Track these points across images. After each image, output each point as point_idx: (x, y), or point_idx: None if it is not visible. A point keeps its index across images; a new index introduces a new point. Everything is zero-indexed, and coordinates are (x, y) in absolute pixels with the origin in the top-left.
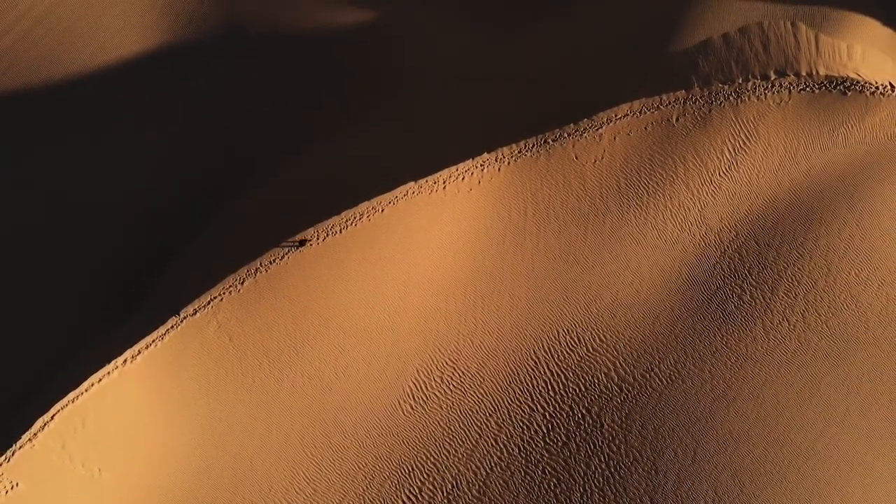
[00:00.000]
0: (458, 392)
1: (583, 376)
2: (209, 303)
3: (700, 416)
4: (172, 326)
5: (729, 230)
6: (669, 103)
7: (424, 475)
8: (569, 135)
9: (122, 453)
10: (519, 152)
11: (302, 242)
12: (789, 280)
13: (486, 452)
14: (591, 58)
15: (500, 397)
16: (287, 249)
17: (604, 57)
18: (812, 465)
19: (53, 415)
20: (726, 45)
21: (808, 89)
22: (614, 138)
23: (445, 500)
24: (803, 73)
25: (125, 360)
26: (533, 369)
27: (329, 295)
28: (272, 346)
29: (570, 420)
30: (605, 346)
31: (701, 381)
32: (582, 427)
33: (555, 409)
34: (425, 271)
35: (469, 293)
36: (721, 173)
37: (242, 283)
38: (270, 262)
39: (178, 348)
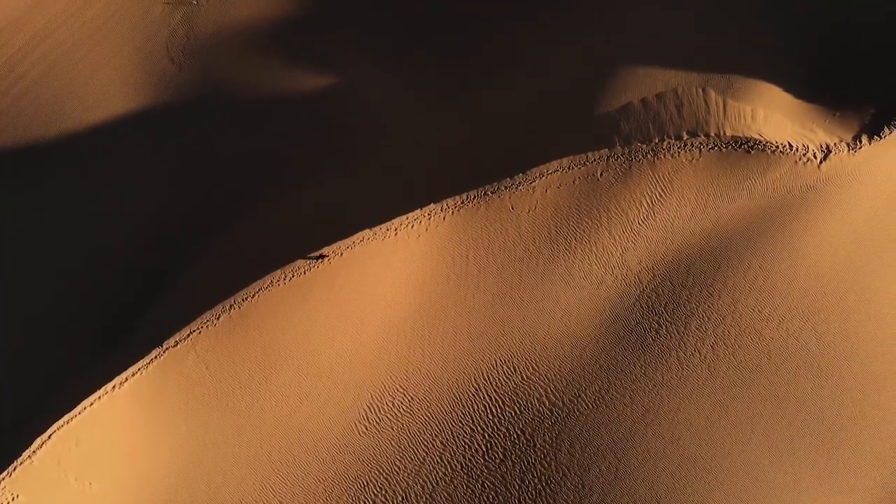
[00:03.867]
0: (408, 415)
1: (518, 401)
2: (189, 336)
3: (622, 437)
4: (156, 357)
5: (647, 272)
6: (594, 160)
7: (377, 489)
8: (506, 188)
9: (110, 469)
10: (462, 203)
11: (321, 256)
12: (700, 316)
13: (432, 468)
14: (526, 120)
15: (445, 420)
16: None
17: (537, 119)
18: (721, 479)
19: (50, 434)
20: (644, 108)
21: (716, 148)
22: (546, 191)
23: None
24: (712, 134)
25: (114, 387)
26: (474, 395)
27: (294, 329)
28: (243, 374)
29: (506, 440)
30: (537, 374)
31: (622, 406)
32: (517, 446)
33: (493, 430)
34: (379, 308)
35: (417, 328)
36: (640, 222)
37: (218, 318)
38: (243, 300)
39: (160, 376)
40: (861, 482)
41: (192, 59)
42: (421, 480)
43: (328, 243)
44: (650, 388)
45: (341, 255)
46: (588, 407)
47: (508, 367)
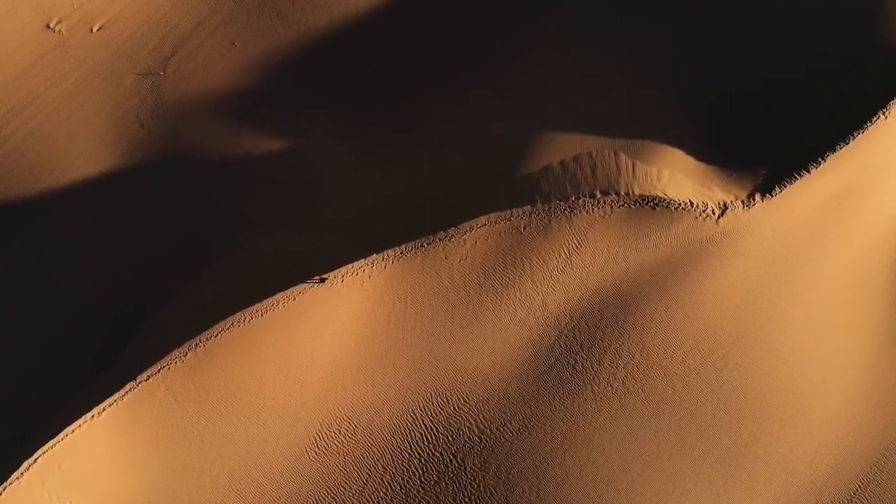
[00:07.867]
0: (352, 441)
1: (450, 429)
2: (159, 370)
3: (542, 460)
4: (130, 389)
5: (565, 314)
6: (518, 216)
7: None
8: (440, 240)
9: (89, 490)
10: (401, 253)
11: (323, 279)
12: (612, 354)
13: (374, 489)
14: (458, 180)
15: (386, 446)
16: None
17: (467, 179)
18: (631, 499)
19: (36, 458)
20: (563, 169)
21: (626, 205)
22: (475, 242)
23: None
24: (622, 193)
25: (93, 416)
26: (411, 424)
27: (252, 365)
28: (207, 404)
29: (440, 464)
30: (468, 405)
31: (543, 433)
32: (450, 469)
33: (428, 455)
34: (327, 346)
35: (361, 364)
36: (559, 270)
37: (186, 355)
38: (207, 339)
39: (134, 407)
40: (756, 502)
41: (159, 124)
42: (364, 500)
43: (283, 289)
44: (568, 418)
45: (294, 299)
46: (513, 434)
47: (442, 399)
